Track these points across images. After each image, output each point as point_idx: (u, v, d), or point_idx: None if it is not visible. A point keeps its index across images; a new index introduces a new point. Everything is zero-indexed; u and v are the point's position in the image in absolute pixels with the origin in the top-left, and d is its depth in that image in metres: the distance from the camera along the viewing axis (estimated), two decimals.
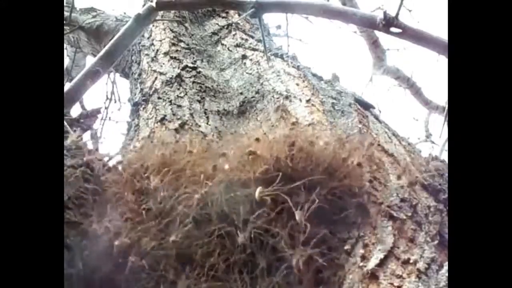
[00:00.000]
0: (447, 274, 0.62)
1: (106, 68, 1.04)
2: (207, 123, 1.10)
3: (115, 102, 2.37)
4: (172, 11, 1.57)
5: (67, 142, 0.78)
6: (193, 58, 1.37)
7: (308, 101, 1.03)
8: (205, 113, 1.14)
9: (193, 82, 1.25)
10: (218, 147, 0.82)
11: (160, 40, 1.47)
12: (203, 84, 1.24)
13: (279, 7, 1.08)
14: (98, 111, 1.01)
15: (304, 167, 0.71)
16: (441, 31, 0.90)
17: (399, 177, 0.78)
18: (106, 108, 2.36)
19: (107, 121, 2.32)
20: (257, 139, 0.73)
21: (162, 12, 1.51)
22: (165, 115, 1.12)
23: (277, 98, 1.08)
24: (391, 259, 0.64)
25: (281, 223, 0.67)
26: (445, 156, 0.92)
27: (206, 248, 0.66)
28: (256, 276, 0.65)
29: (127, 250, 0.65)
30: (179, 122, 1.09)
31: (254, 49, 1.36)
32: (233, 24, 1.51)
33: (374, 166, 0.81)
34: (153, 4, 1.08)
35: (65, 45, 2.40)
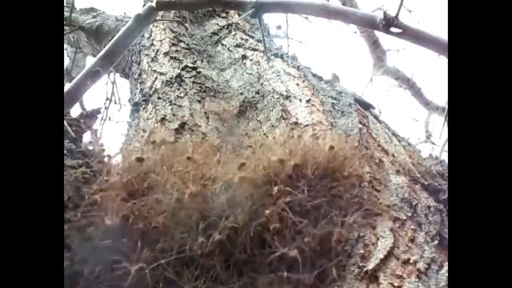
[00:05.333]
0: (447, 274, 0.62)
1: (106, 68, 1.04)
2: (207, 123, 1.10)
3: (115, 103, 2.37)
4: (172, 11, 1.56)
5: (66, 142, 0.78)
6: (193, 58, 1.37)
7: (308, 101, 1.03)
8: (205, 113, 1.13)
9: (193, 82, 1.25)
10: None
11: (160, 40, 1.47)
12: (203, 84, 1.24)
13: (279, 7, 1.08)
14: (98, 111, 1.01)
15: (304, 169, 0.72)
16: (441, 31, 0.90)
17: (398, 176, 0.78)
18: (106, 108, 2.35)
19: (107, 121, 2.32)
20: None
21: (162, 12, 1.51)
22: (165, 115, 1.12)
23: (277, 98, 1.08)
24: (391, 259, 0.64)
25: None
26: (445, 157, 0.92)
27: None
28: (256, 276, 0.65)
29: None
30: (179, 122, 1.08)
31: (254, 49, 1.36)
32: (233, 24, 1.51)
33: (374, 166, 0.81)
34: (153, 4, 1.08)
35: (65, 45, 2.40)
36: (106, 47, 1.04)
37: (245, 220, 0.66)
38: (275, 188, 0.69)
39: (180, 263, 0.65)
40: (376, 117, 1.06)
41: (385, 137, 0.95)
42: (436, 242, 0.67)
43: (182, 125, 1.08)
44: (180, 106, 1.15)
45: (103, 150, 0.80)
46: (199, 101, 1.17)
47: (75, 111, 0.98)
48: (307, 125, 0.95)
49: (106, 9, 2.19)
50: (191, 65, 1.31)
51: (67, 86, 0.98)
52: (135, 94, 1.35)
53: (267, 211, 0.67)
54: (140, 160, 0.74)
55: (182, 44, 1.43)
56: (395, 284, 0.61)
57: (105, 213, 0.66)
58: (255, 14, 1.02)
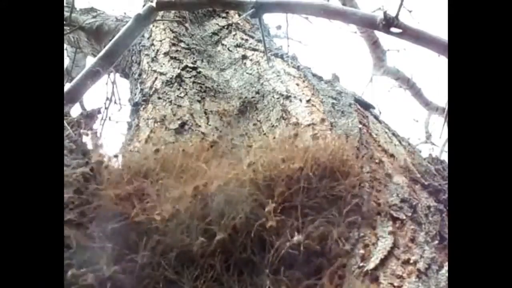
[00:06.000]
0: (447, 274, 0.62)
1: (106, 68, 1.04)
2: (207, 123, 1.10)
3: (115, 103, 2.36)
4: (172, 11, 1.56)
5: (67, 142, 0.78)
6: (193, 58, 1.36)
7: (308, 101, 1.03)
8: (205, 113, 1.13)
9: (193, 82, 1.24)
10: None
11: (160, 40, 1.47)
12: (203, 84, 1.24)
13: (279, 7, 1.08)
14: (98, 111, 1.01)
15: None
16: (441, 31, 0.90)
17: (398, 176, 0.78)
18: (106, 108, 2.35)
19: (107, 121, 2.32)
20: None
21: (162, 12, 1.51)
22: (165, 115, 1.12)
23: (277, 98, 1.08)
24: (391, 259, 0.64)
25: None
26: (445, 157, 0.92)
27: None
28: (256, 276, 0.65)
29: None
30: (179, 122, 1.09)
31: (254, 49, 1.36)
32: (233, 24, 1.51)
33: (374, 166, 0.81)
34: (153, 4, 1.08)
35: (65, 45, 2.40)
36: (106, 47, 1.05)
37: (244, 220, 0.66)
38: (277, 190, 0.69)
39: (180, 263, 0.65)
40: (376, 117, 1.06)
41: (385, 137, 0.95)
42: (436, 242, 0.67)
43: (182, 125, 1.08)
44: (180, 106, 1.15)
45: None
46: (199, 101, 1.17)
47: (75, 111, 0.98)
48: (307, 125, 0.95)
49: (106, 9, 2.19)
50: (191, 65, 1.31)
51: (67, 86, 0.98)
52: (135, 94, 1.35)
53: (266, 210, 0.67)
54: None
55: (182, 44, 1.43)
56: (395, 284, 0.61)
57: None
58: (255, 14, 1.02)
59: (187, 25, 1.55)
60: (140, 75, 1.40)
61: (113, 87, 2.29)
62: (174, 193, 0.70)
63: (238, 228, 0.66)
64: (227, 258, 0.66)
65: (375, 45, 3.19)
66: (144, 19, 1.07)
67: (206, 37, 1.52)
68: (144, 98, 1.24)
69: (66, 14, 2.04)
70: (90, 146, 0.83)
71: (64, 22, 1.98)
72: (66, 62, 2.64)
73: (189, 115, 1.11)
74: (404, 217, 0.71)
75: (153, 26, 1.54)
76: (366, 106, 1.08)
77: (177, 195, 0.69)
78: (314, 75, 1.19)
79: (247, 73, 1.26)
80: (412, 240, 0.67)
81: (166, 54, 1.39)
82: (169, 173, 0.74)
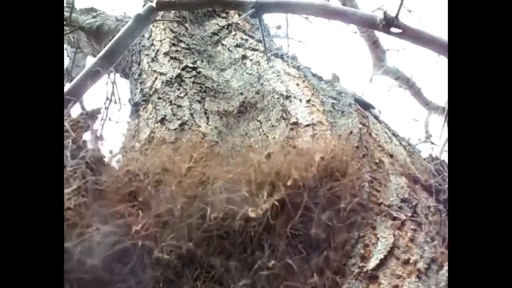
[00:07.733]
0: (447, 274, 0.62)
1: (106, 68, 1.04)
2: (207, 123, 1.10)
3: (115, 102, 2.36)
4: (172, 11, 1.57)
5: (67, 142, 0.78)
6: (193, 58, 1.36)
7: (308, 101, 1.03)
8: (205, 113, 1.14)
9: (193, 82, 1.24)
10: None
11: (160, 40, 1.47)
12: (203, 84, 1.24)
13: (279, 7, 1.08)
14: (98, 111, 1.01)
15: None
16: (441, 31, 0.90)
17: (398, 176, 0.78)
18: (106, 108, 2.35)
19: (107, 121, 2.31)
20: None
21: (162, 12, 1.51)
22: (165, 115, 1.12)
23: (277, 98, 1.08)
24: (391, 259, 0.64)
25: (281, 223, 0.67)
26: (445, 157, 0.92)
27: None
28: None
29: None
30: (179, 122, 1.09)
31: (254, 49, 1.36)
32: (233, 24, 1.51)
33: (374, 166, 0.81)
34: (153, 4, 1.08)
35: (65, 45, 2.40)
36: (106, 47, 1.05)
37: (243, 220, 0.66)
38: (277, 190, 0.69)
39: (180, 263, 0.65)
40: (376, 117, 1.06)
41: (385, 137, 0.95)
42: (436, 242, 0.67)
43: (182, 125, 1.08)
44: (180, 106, 1.15)
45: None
46: (199, 101, 1.17)
47: (75, 111, 0.98)
48: (307, 125, 0.95)
49: (106, 9, 2.19)
50: (191, 65, 1.31)
51: (67, 86, 0.98)
52: (135, 94, 1.35)
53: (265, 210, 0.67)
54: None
55: (182, 44, 1.43)
56: (395, 284, 0.61)
57: None
58: (255, 14, 1.02)
59: (187, 25, 1.55)
60: (140, 75, 1.40)
61: (113, 87, 2.29)
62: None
63: (238, 228, 0.66)
64: (227, 258, 0.66)
65: (375, 45, 3.19)
66: (144, 19, 1.08)
67: (206, 37, 1.52)
68: (144, 98, 1.24)
69: (66, 14, 2.04)
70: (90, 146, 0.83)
71: (64, 22, 1.98)
72: (66, 62, 2.64)
73: (189, 115, 1.11)
74: (404, 217, 0.71)
75: (153, 26, 1.54)
76: (366, 106, 1.08)
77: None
78: (314, 75, 1.19)
79: (247, 73, 1.26)
80: (412, 240, 0.67)
81: (166, 54, 1.39)
82: (169, 174, 0.74)
